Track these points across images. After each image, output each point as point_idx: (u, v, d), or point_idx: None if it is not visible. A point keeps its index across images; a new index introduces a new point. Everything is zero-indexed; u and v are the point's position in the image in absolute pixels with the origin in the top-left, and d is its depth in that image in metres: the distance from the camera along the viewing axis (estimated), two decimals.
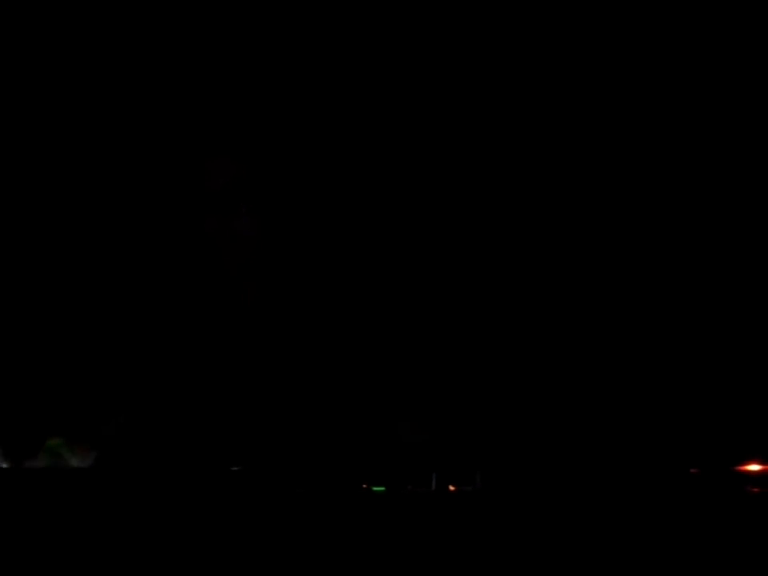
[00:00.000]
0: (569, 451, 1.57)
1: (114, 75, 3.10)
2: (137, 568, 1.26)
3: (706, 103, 2.92)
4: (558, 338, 2.93)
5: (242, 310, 1.82)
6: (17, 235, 3.04)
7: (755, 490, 1.47)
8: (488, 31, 2.89)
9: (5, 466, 1.42)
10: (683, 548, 1.39)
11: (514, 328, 3.02)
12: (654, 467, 1.49)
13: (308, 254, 2.10)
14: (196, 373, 1.70)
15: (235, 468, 1.38)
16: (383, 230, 2.93)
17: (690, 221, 2.94)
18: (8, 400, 1.93)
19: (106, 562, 1.25)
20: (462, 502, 1.38)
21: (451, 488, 1.40)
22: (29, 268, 2.99)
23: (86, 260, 3.05)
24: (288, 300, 1.89)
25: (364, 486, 1.39)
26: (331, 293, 1.89)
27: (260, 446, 1.57)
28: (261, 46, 2.79)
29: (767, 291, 2.78)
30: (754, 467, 1.55)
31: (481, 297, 3.02)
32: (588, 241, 3.05)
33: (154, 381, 1.70)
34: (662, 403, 2.71)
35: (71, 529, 1.26)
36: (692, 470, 1.52)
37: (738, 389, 2.64)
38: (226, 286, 1.87)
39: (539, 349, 2.95)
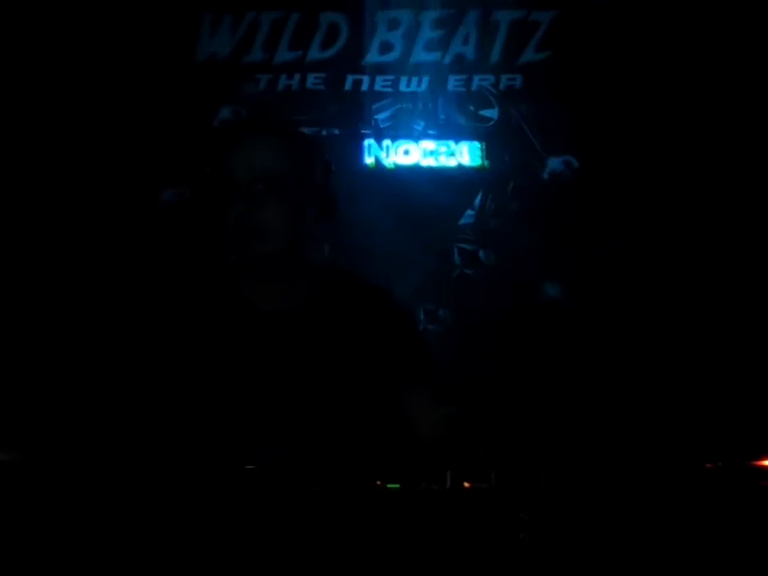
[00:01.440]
0: (583, 448, 1.56)
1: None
2: (146, 566, 1.26)
3: (707, 103, 2.91)
4: (573, 333, 2.93)
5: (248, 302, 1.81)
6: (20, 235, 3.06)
7: None
8: None
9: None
10: (698, 542, 1.38)
11: (529, 322, 3.02)
12: (669, 462, 1.48)
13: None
14: (202, 367, 1.70)
15: (250, 466, 1.38)
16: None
17: (690, 219, 2.93)
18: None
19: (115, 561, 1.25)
20: (477, 500, 1.38)
21: (466, 485, 1.40)
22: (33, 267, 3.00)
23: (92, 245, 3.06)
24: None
25: (378, 483, 1.39)
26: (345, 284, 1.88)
27: (273, 444, 1.57)
28: None
29: None
30: None
31: (485, 294, 3.02)
32: (588, 239, 3.05)
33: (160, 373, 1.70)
34: (677, 397, 2.71)
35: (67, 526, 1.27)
36: (707, 465, 1.51)
37: (754, 383, 2.63)
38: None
39: (554, 344, 2.95)
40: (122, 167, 3.27)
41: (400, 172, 3.37)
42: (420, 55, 3.38)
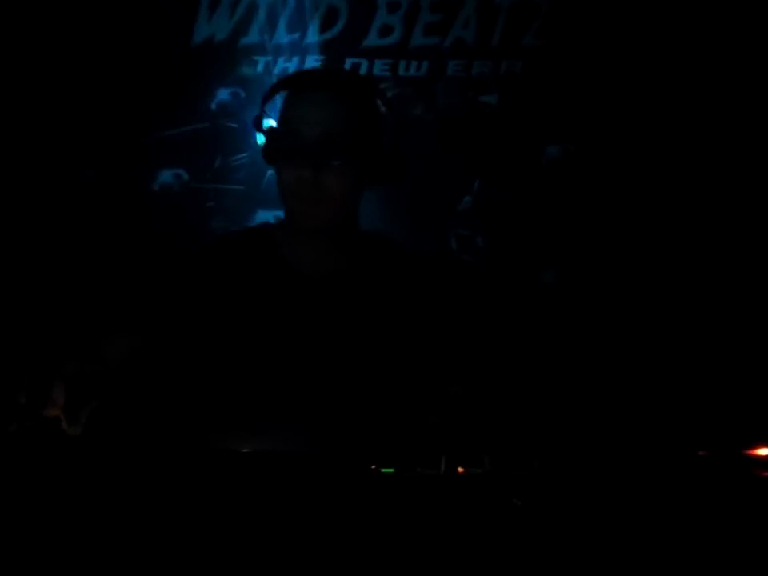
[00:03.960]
0: (577, 434, 1.57)
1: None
2: (139, 557, 1.26)
3: (706, 103, 2.90)
4: (569, 320, 2.93)
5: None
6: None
7: (765, 473, 1.47)
8: None
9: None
10: (691, 530, 1.39)
11: (520, 310, 3.02)
12: (663, 449, 1.49)
13: None
14: (240, 334, 1.67)
15: (245, 450, 1.38)
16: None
17: (689, 207, 2.93)
18: None
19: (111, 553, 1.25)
20: (471, 485, 1.38)
21: (460, 470, 1.40)
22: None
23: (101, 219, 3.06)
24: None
25: (373, 467, 1.39)
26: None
27: (269, 428, 1.57)
28: None
29: None
30: (765, 451, 1.54)
31: (480, 286, 3.02)
32: (588, 237, 3.05)
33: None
34: (671, 385, 2.71)
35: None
36: (700, 453, 1.52)
37: (748, 372, 2.64)
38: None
39: (550, 331, 2.95)
40: (117, 149, 3.26)
41: None
42: (419, 39, 3.36)
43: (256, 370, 1.68)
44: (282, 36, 3.37)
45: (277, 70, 3.37)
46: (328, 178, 1.68)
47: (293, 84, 1.76)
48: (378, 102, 1.77)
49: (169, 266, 1.78)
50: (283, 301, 1.73)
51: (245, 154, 3.31)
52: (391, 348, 1.75)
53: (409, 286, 1.79)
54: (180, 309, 1.72)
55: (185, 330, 1.70)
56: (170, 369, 1.69)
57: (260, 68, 3.39)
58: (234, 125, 3.33)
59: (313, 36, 3.36)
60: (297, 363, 1.70)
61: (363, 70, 3.37)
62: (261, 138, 1.74)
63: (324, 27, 3.37)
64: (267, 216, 3.23)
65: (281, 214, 1.83)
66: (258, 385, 1.68)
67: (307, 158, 1.67)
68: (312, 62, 3.38)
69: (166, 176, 3.34)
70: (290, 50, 3.38)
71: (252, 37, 3.37)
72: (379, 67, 3.37)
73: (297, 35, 3.39)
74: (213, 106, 3.36)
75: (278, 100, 1.80)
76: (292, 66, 3.38)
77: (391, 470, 1.38)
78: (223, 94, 3.35)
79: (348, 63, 3.37)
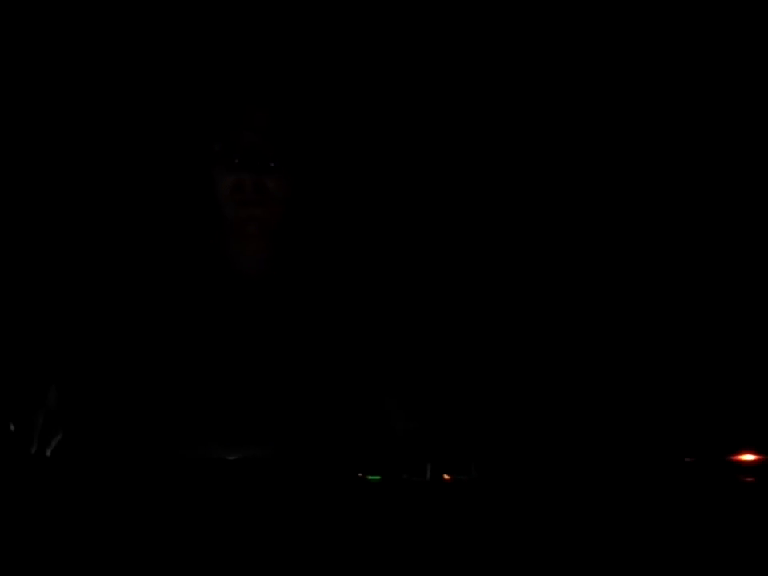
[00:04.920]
0: (564, 440, 1.57)
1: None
2: (135, 557, 1.26)
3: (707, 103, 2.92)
4: (554, 329, 2.93)
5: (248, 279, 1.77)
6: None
7: (749, 479, 1.48)
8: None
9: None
10: (678, 536, 1.39)
11: (510, 315, 3.03)
12: (649, 455, 1.49)
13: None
14: (186, 356, 1.67)
15: (232, 458, 1.38)
16: (390, 219, 2.93)
17: (690, 212, 2.94)
18: None
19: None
20: (457, 492, 1.38)
21: (446, 477, 1.41)
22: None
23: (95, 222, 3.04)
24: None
25: (359, 474, 1.39)
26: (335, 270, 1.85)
27: (255, 436, 1.57)
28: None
29: (764, 287, 2.78)
30: (749, 457, 1.55)
31: (475, 288, 3.03)
32: (587, 238, 3.05)
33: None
34: (656, 392, 2.72)
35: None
36: (687, 459, 1.53)
37: (733, 379, 2.65)
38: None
39: (535, 338, 2.95)
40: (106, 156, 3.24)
41: None
42: None
43: (199, 377, 1.69)
44: None
45: None
46: (269, 181, 1.69)
47: (227, 90, 1.77)
48: (313, 101, 1.79)
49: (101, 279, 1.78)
50: (227, 304, 1.73)
51: None
52: (328, 352, 1.76)
53: (346, 290, 1.80)
54: (120, 321, 1.72)
55: (127, 341, 1.70)
56: (120, 381, 1.69)
57: None
58: None
59: None
60: (239, 368, 1.70)
61: None
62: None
63: None
64: None
65: None
66: (201, 391, 1.68)
67: (247, 161, 1.68)
68: None
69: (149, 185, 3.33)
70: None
71: None
72: None
73: None
74: None
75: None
76: None
77: (377, 478, 1.38)
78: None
79: None
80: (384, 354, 1.82)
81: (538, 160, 3.12)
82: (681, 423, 2.53)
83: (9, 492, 1.27)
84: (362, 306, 1.82)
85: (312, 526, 1.31)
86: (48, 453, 1.47)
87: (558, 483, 1.40)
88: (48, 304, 2.59)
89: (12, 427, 1.46)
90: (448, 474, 1.36)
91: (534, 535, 1.35)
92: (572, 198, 3.03)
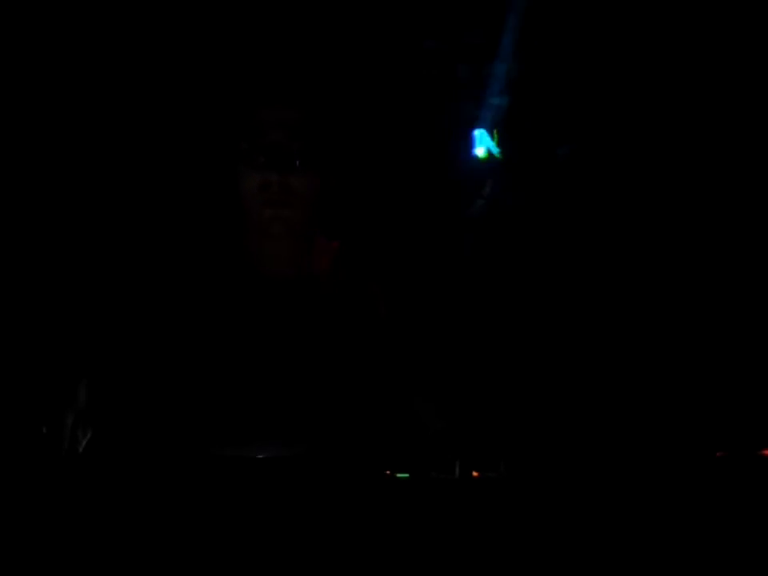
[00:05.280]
0: (593, 437, 1.57)
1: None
2: (150, 557, 1.27)
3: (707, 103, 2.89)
4: (580, 323, 2.92)
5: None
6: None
7: None
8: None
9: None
10: (708, 530, 1.39)
11: (539, 311, 3.02)
12: (680, 450, 1.49)
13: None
14: (204, 336, 1.67)
15: (260, 456, 1.38)
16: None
17: (695, 208, 2.92)
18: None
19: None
20: (486, 489, 1.39)
21: (475, 474, 1.41)
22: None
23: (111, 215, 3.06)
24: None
25: (388, 472, 1.39)
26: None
27: (283, 435, 1.58)
28: None
29: None
30: None
31: (495, 290, 3.02)
32: (589, 238, 3.04)
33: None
34: (686, 387, 2.70)
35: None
36: (717, 454, 1.51)
37: (762, 373, 2.62)
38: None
39: (561, 335, 2.95)
40: (128, 154, 3.26)
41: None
42: (429, 43, 3.37)
43: (225, 376, 1.69)
44: None
45: None
46: (295, 181, 1.69)
47: (253, 89, 1.77)
48: (340, 100, 1.79)
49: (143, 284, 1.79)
50: (251, 304, 1.73)
51: None
52: (355, 351, 1.76)
53: (372, 290, 1.80)
54: (149, 323, 1.73)
55: (156, 341, 1.71)
56: (149, 379, 1.70)
57: None
58: None
59: None
60: (265, 367, 1.71)
61: None
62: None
63: None
64: None
65: None
66: (228, 390, 1.69)
67: (274, 161, 1.68)
68: None
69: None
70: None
71: None
72: None
73: None
74: None
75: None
76: None
77: (406, 475, 1.39)
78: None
79: None
80: (412, 353, 1.82)
81: (537, 160, 3.12)
82: (711, 418, 2.51)
83: (43, 492, 1.29)
84: (387, 305, 1.83)
85: (341, 524, 1.31)
86: (78, 452, 1.49)
87: (586, 479, 1.40)
88: (76, 305, 2.61)
89: (44, 429, 1.48)
90: (476, 472, 1.36)
91: (562, 531, 1.34)
92: (572, 198, 3.02)
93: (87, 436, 1.52)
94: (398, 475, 1.39)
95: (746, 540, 1.37)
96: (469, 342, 1.96)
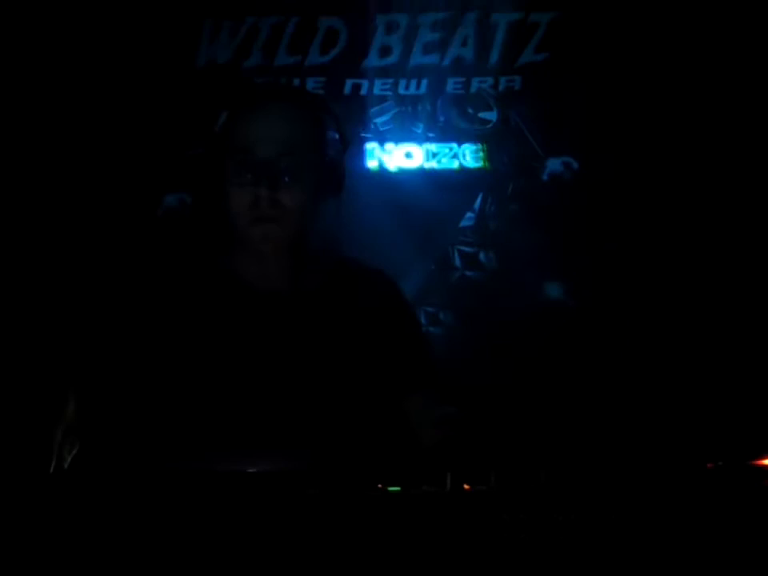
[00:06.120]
0: (583, 449, 1.57)
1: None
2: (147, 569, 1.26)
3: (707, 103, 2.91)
4: (570, 333, 2.93)
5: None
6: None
7: None
8: None
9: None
10: (700, 542, 1.39)
11: (531, 323, 3.02)
12: (670, 461, 1.49)
13: None
14: (196, 353, 1.68)
15: (251, 470, 1.38)
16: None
17: (690, 217, 2.93)
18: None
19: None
20: (477, 502, 1.38)
21: (466, 487, 1.40)
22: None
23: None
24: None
25: (379, 486, 1.39)
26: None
27: (272, 447, 1.57)
28: None
29: None
30: None
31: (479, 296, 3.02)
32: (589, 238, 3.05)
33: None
34: (678, 396, 2.70)
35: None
36: (708, 465, 1.51)
37: (754, 382, 2.63)
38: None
39: (556, 344, 2.95)
40: (121, 172, 3.28)
41: (400, 175, 3.37)
42: (419, 58, 3.38)
43: (217, 393, 1.69)
44: (283, 58, 3.39)
45: None
46: (285, 196, 1.69)
47: (241, 103, 1.77)
48: (326, 116, 1.79)
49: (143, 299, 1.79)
50: (243, 320, 1.74)
51: None
52: (346, 364, 1.76)
53: (361, 311, 1.80)
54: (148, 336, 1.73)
55: (150, 356, 1.71)
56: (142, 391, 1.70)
57: None
58: None
59: (314, 58, 3.39)
60: (256, 383, 1.71)
61: (364, 90, 3.38)
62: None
63: (324, 49, 3.39)
64: None
65: None
66: (220, 406, 1.69)
67: (262, 176, 1.68)
68: (312, 83, 3.40)
69: (170, 200, 3.36)
70: (290, 71, 3.40)
71: (254, 59, 3.39)
72: (379, 87, 3.39)
73: (298, 57, 3.41)
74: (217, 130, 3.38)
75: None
76: None
77: (397, 489, 1.38)
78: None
79: (348, 84, 3.39)
80: (403, 360, 1.83)
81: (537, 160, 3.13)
82: (702, 427, 2.51)
83: (30, 508, 1.28)
84: (378, 316, 1.83)
85: (330, 539, 1.31)
86: (65, 466, 1.49)
87: (578, 492, 1.40)
88: (65, 320, 2.61)
89: (32, 443, 1.48)
90: (467, 484, 1.36)
91: (556, 545, 1.34)
92: (573, 212, 3.03)
93: (74, 452, 1.52)
94: (390, 489, 1.39)
95: (738, 551, 1.37)
96: (458, 354, 1.96)
